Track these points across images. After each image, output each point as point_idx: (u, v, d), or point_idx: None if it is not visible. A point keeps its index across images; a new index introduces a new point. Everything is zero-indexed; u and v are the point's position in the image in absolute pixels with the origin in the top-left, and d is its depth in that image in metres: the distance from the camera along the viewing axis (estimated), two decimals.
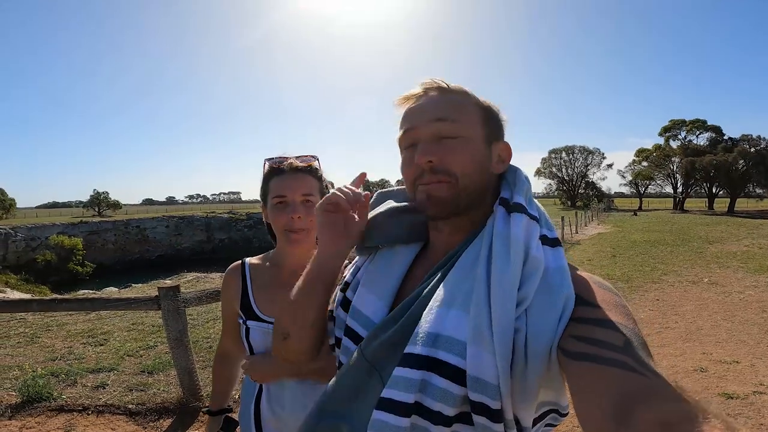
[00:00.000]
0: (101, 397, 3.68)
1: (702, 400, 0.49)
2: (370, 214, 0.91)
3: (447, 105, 0.78)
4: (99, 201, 46.26)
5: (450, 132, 0.76)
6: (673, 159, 48.20)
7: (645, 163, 52.16)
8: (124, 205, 60.13)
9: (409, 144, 0.80)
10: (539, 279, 0.67)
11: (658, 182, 53.13)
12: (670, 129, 49.45)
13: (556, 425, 0.77)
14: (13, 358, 4.63)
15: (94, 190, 46.73)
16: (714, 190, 45.49)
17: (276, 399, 1.24)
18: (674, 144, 49.62)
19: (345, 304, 0.87)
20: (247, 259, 1.39)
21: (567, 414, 0.76)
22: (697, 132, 48.03)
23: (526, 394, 0.66)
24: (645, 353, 0.58)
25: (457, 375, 0.66)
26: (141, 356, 4.65)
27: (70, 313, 6.41)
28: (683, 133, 48.94)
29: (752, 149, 42.24)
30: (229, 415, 1.46)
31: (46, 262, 25.47)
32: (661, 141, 51.03)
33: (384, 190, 0.97)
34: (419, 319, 0.71)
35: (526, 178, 0.80)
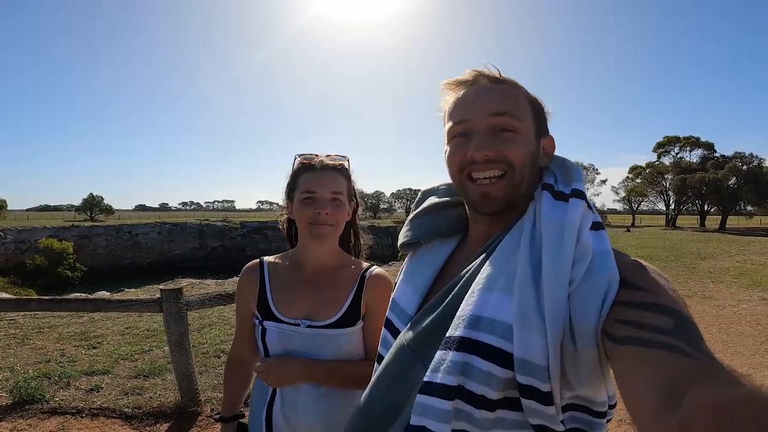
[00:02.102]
0: (95, 400, 3.61)
1: (760, 383, 0.46)
2: (413, 212, 0.95)
3: (503, 97, 0.77)
4: (92, 205, 45.88)
5: (508, 126, 0.76)
6: (666, 176, 48.58)
7: (638, 180, 52.53)
8: (117, 210, 59.61)
9: (460, 133, 0.79)
10: (587, 264, 0.66)
11: (650, 199, 53.51)
12: (664, 145, 49.74)
13: None
14: (4, 360, 4.54)
15: (90, 193, 46.30)
16: (706, 208, 45.88)
17: (290, 404, 1.19)
18: (667, 161, 50.07)
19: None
20: (266, 258, 1.34)
21: (602, 415, 0.73)
22: (690, 149, 48.52)
23: (586, 377, 0.65)
24: (697, 336, 0.56)
25: (501, 357, 0.65)
26: (136, 360, 4.58)
27: (61, 315, 6.33)
28: (677, 150, 49.39)
29: (744, 167, 42.70)
30: (242, 420, 1.40)
31: (35, 266, 25.14)
32: (655, 157, 51.52)
33: (428, 187, 1.00)
34: (460, 303, 0.71)
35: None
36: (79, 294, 9.25)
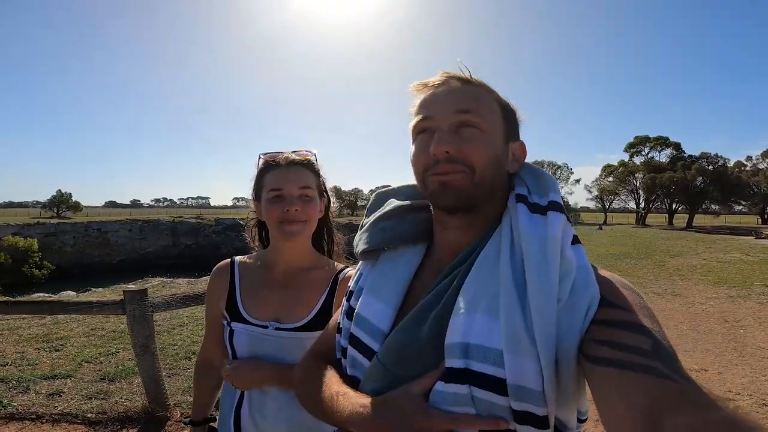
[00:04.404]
0: (57, 405, 3.45)
1: (739, 408, 0.46)
2: (371, 217, 0.86)
3: (469, 96, 0.74)
4: (59, 202, 44.19)
5: (472, 123, 0.72)
6: (636, 175, 49.83)
7: (611, 179, 53.77)
8: (86, 207, 57.75)
9: (423, 130, 0.75)
10: (572, 281, 0.63)
11: (622, 197, 54.84)
12: (635, 145, 51.12)
13: None
14: None
15: (58, 189, 44.54)
16: (674, 206, 47.30)
17: (258, 408, 1.17)
18: (638, 160, 51.36)
19: (350, 313, 0.83)
20: (237, 258, 1.31)
21: None
22: (660, 149, 49.87)
23: (564, 397, 0.63)
24: (673, 357, 0.55)
25: (497, 385, 0.61)
26: (101, 363, 4.40)
27: (23, 316, 6.05)
28: (647, 150, 50.70)
29: (710, 167, 44.14)
30: (212, 424, 1.38)
31: None
32: (627, 157, 52.74)
33: (383, 190, 0.92)
34: (445, 323, 0.67)
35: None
36: (39, 294, 8.86)
